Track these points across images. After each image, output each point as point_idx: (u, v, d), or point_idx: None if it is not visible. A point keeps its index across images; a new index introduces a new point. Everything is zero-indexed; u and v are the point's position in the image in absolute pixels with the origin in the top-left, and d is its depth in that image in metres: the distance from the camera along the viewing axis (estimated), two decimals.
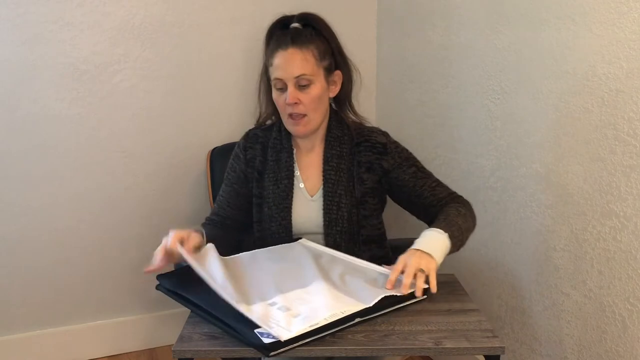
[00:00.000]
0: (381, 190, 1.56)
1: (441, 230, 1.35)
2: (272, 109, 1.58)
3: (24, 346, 2.19)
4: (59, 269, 2.17)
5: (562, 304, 1.66)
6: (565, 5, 1.54)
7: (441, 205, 1.48)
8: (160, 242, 2.37)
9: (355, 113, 1.59)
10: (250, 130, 1.63)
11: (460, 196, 1.53)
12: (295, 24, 1.49)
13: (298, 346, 1.09)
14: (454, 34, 1.98)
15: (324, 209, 1.51)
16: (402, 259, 1.27)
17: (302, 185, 1.55)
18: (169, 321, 2.34)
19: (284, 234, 1.53)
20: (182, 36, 2.13)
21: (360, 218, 1.52)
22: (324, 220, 1.50)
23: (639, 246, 1.41)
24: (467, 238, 1.43)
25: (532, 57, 1.67)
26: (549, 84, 1.62)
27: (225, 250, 1.41)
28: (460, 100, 1.99)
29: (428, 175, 1.55)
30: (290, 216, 1.52)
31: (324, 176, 1.52)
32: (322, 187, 1.52)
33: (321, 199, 1.52)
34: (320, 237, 1.52)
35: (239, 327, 1.11)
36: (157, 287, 1.31)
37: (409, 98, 2.28)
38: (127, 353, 2.34)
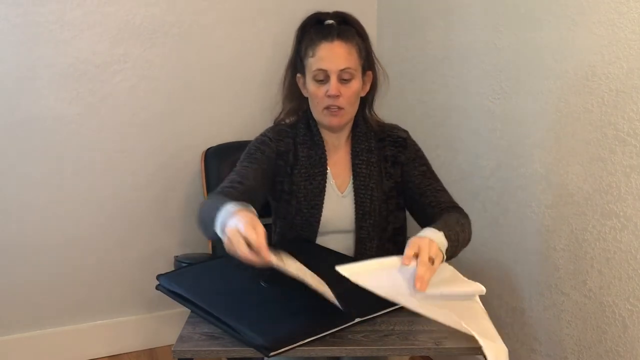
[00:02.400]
0: (400, 184, 1.55)
1: (442, 234, 1.29)
2: (296, 107, 1.57)
3: (24, 346, 2.19)
4: (59, 269, 2.17)
5: (562, 304, 1.66)
6: (565, 5, 1.54)
7: (440, 209, 1.47)
8: (159, 242, 2.38)
9: (375, 114, 1.60)
10: (277, 124, 1.59)
11: (461, 208, 1.51)
12: (330, 21, 1.49)
13: (298, 346, 1.09)
14: (454, 34, 1.98)
15: (355, 202, 1.50)
16: (413, 246, 1.19)
17: (332, 182, 1.54)
18: (169, 321, 2.34)
19: (307, 229, 1.51)
20: (182, 36, 2.13)
21: (388, 213, 1.53)
22: (357, 214, 1.50)
23: (639, 246, 1.41)
24: (459, 250, 1.37)
25: (532, 57, 1.67)
26: (549, 84, 1.62)
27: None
28: (460, 100, 1.99)
29: (436, 179, 1.55)
30: (320, 213, 1.51)
31: (353, 170, 1.52)
32: (351, 181, 1.52)
33: (352, 194, 1.51)
34: (350, 235, 1.52)
35: (239, 327, 1.11)
36: (157, 287, 1.31)
37: (409, 98, 2.28)
38: (127, 353, 2.34)
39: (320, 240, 1.54)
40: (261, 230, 1.10)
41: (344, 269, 1.12)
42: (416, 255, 1.17)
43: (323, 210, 1.52)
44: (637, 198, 1.40)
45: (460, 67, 1.97)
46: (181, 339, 1.14)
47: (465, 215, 1.48)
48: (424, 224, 1.48)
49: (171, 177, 2.24)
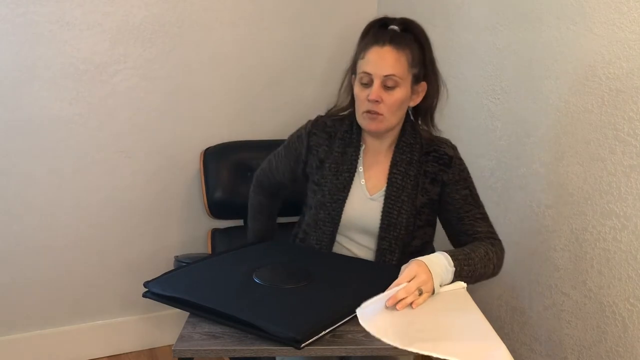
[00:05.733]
0: (438, 202, 1.53)
1: (452, 263, 1.33)
2: (348, 105, 1.56)
3: (24, 346, 2.19)
4: (59, 269, 2.17)
5: (562, 304, 1.66)
6: (565, 5, 1.54)
7: (475, 239, 1.46)
8: (159, 242, 2.39)
9: (434, 126, 1.56)
10: (320, 116, 1.60)
11: (499, 240, 1.49)
12: (394, 27, 1.48)
13: (327, 333, 1.12)
14: (454, 34, 1.98)
15: (383, 211, 1.48)
16: (410, 272, 1.28)
17: (363, 182, 1.53)
18: (169, 321, 2.34)
19: (330, 224, 1.51)
20: (182, 36, 2.13)
21: (415, 228, 1.50)
22: (382, 223, 1.48)
23: (639, 246, 1.41)
24: (474, 282, 1.39)
25: (532, 57, 1.67)
26: (549, 84, 1.62)
27: (267, 215, 1.76)
28: (460, 100, 1.99)
29: (478, 205, 1.52)
30: (342, 208, 1.50)
31: (389, 179, 1.50)
32: (385, 188, 1.50)
33: (382, 200, 1.50)
34: (373, 240, 1.51)
35: (260, 323, 1.11)
36: (145, 295, 1.29)
37: None
38: (127, 353, 2.34)
39: (342, 238, 1.55)
40: None
41: (362, 321, 1.18)
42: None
43: (346, 206, 1.51)
44: (637, 198, 1.40)
45: (460, 67, 1.97)
46: (181, 338, 1.14)
47: (499, 249, 1.47)
48: (455, 247, 1.51)
49: (171, 177, 2.24)
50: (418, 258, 1.31)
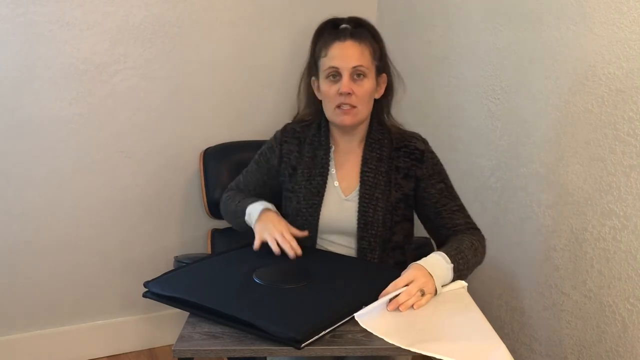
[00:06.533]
0: (414, 198, 1.54)
1: (449, 260, 1.33)
2: (311, 111, 1.59)
3: (24, 346, 2.19)
4: (59, 269, 2.17)
5: (562, 304, 1.66)
6: (565, 5, 1.54)
7: (455, 231, 1.47)
8: (159, 242, 2.39)
9: (392, 119, 1.59)
10: (288, 124, 1.63)
11: (478, 229, 1.50)
12: (346, 25, 1.51)
13: (327, 333, 1.12)
14: (454, 34, 1.98)
15: (359, 211, 1.49)
16: (408, 276, 1.27)
17: (336, 183, 1.54)
18: (169, 321, 2.34)
19: (308, 228, 1.52)
20: (182, 36, 2.13)
21: (393, 224, 1.51)
22: (359, 223, 1.49)
23: (639, 246, 1.41)
24: (469, 273, 1.40)
25: (532, 57, 1.67)
26: (549, 84, 1.62)
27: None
28: (460, 100, 1.99)
29: (454, 197, 1.53)
30: (319, 213, 1.51)
31: (361, 177, 1.51)
32: (358, 187, 1.51)
33: (356, 200, 1.51)
34: (352, 240, 1.51)
35: (261, 323, 1.11)
36: (145, 295, 1.29)
37: (409, 98, 2.28)
38: (127, 353, 2.34)
39: (322, 241, 1.55)
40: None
41: (362, 322, 1.18)
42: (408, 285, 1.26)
43: (323, 210, 1.52)
44: (637, 198, 1.40)
45: (460, 67, 1.97)
46: (181, 338, 1.14)
47: (481, 238, 1.48)
48: (437, 242, 1.53)
49: (171, 177, 2.24)
50: (416, 262, 1.31)
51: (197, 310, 1.21)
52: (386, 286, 1.26)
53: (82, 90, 2.05)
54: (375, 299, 1.23)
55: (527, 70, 1.69)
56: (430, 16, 2.08)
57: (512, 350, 1.85)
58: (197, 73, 2.19)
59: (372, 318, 1.18)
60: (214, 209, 2.07)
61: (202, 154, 2.13)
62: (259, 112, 2.30)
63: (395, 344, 1.11)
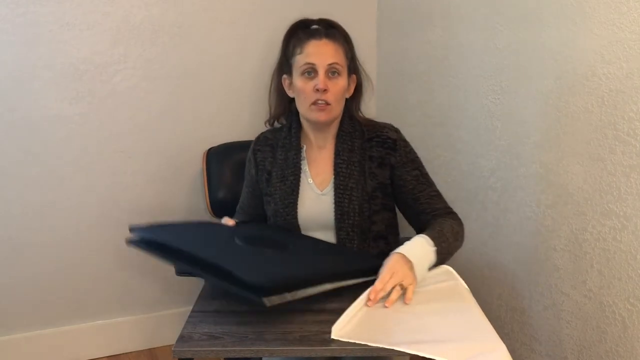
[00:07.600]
0: (391, 186, 1.56)
1: (432, 243, 1.36)
2: (282, 109, 1.62)
3: (24, 346, 2.19)
4: (59, 268, 2.17)
5: (562, 304, 1.66)
6: (565, 6, 1.54)
7: (434, 216, 1.50)
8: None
9: (362, 114, 1.62)
10: (260, 133, 1.67)
11: (455, 213, 1.53)
12: (316, 26, 1.55)
13: (293, 298, 1.13)
14: (454, 34, 1.98)
15: (335, 202, 1.51)
16: (388, 270, 1.29)
17: (310, 180, 1.56)
18: (169, 321, 2.34)
19: (289, 228, 1.55)
20: (182, 36, 2.13)
21: (372, 213, 1.52)
22: (336, 214, 1.51)
23: (639, 246, 1.41)
24: (450, 257, 1.44)
25: (532, 57, 1.67)
26: (549, 84, 1.62)
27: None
28: (460, 100, 1.99)
29: (430, 184, 1.56)
30: (296, 212, 1.53)
31: (334, 169, 1.53)
32: (332, 180, 1.53)
33: (332, 193, 1.53)
34: (332, 234, 1.53)
35: (232, 269, 1.11)
36: (130, 241, 1.32)
37: (409, 98, 2.28)
38: (127, 353, 2.34)
39: None
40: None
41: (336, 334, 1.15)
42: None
43: (299, 208, 1.53)
44: (637, 198, 1.40)
45: (460, 67, 1.97)
46: (181, 338, 1.14)
47: (460, 222, 1.51)
48: (417, 228, 1.55)
49: (172, 177, 2.24)
50: (397, 251, 1.33)
51: (172, 256, 1.22)
52: (363, 265, 1.30)
53: (82, 90, 2.05)
54: (351, 273, 1.26)
55: (527, 70, 1.69)
56: (430, 16, 2.08)
57: (512, 350, 1.85)
58: (197, 73, 2.19)
59: (350, 326, 1.17)
60: (216, 209, 2.07)
61: (205, 153, 2.13)
62: (262, 111, 2.28)
63: (395, 348, 1.10)
